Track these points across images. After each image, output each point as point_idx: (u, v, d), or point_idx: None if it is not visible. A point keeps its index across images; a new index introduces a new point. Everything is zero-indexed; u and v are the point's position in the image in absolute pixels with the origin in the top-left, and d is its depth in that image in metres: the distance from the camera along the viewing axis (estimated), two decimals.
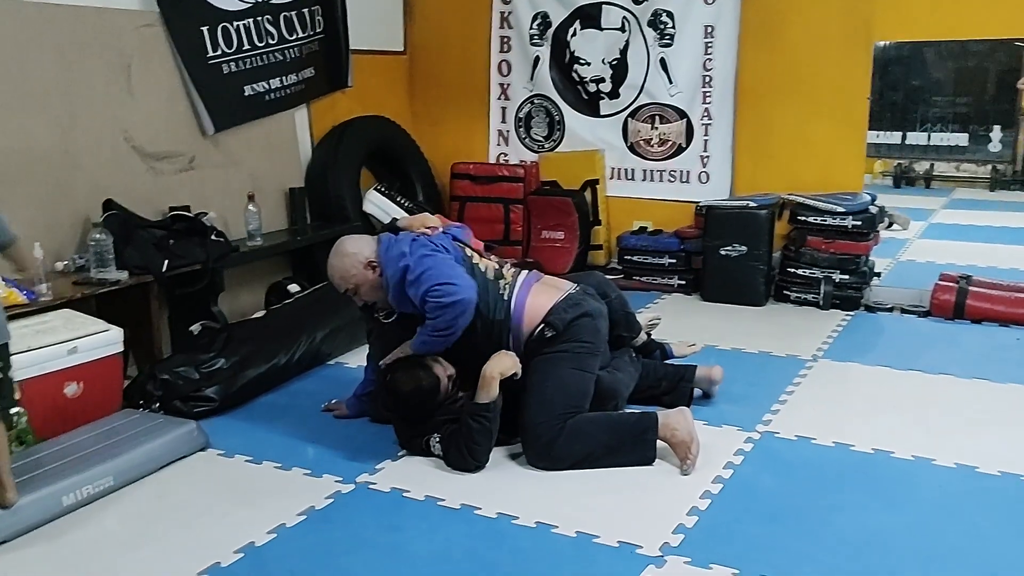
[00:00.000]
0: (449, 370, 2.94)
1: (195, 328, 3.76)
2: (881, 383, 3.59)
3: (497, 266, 3.10)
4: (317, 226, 4.86)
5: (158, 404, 3.28)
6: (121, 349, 3.21)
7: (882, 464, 2.83)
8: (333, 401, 3.38)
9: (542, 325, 2.92)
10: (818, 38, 4.72)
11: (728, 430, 3.11)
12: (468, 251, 3.07)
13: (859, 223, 4.59)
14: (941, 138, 9.26)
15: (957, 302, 4.41)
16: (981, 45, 8.93)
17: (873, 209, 4.66)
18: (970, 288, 4.48)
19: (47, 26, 3.60)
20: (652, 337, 3.53)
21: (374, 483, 2.76)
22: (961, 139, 9.16)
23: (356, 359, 3.90)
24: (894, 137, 9.25)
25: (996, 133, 9.01)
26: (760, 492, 2.66)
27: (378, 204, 5.03)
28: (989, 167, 9.05)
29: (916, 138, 9.34)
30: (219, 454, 3.02)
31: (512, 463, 2.88)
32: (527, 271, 3.14)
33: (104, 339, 3.15)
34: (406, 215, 5.05)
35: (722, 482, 2.72)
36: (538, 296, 2.98)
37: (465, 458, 2.80)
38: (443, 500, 2.63)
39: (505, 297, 2.97)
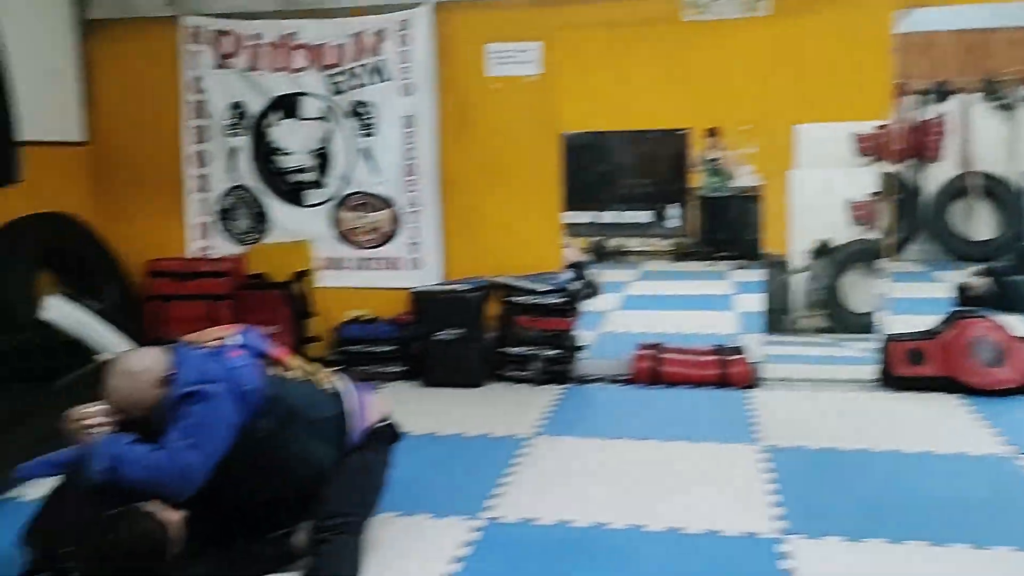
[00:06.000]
0: (172, 515, 2.52)
1: None
2: (594, 454, 3.74)
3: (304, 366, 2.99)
4: None
5: None
6: None
7: (600, 538, 2.92)
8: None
9: (385, 423, 2.98)
10: (511, 129, 4.99)
11: (453, 520, 3.06)
12: (270, 364, 2.86)
13: (562, 300, 4.83)
14: (629, 216, 10.16)
15: (654, 369, 4.76)
16: (655, 134, 10.00)
17: (573, 286, 4.93)
18: (663, 355, 4.86)
19: None
20: None
21: None
22: (646, 216, 10.12)
23: (35, 491, 3.39)
24: (588, 216, 10.00)
25: (673, 210, 10.06)
26: None
27: (60, 310, 4.51)
28: (671, 241, 10.06)
29: (608, 217, 10.17)
30: None
31: None
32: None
33: None
34: (93, 320, 4.60)
35: None
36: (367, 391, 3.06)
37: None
38: None
39: (331, 391, 2.90)
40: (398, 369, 5.02)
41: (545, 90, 4.92)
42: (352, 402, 2.94)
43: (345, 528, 2.66)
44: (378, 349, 5.03)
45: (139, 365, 2.66)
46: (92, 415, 2.62)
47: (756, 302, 5.95)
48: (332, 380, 3.00)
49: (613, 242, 10.30)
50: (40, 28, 5.00)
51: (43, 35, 5.03)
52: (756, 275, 6.43)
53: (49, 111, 5.02)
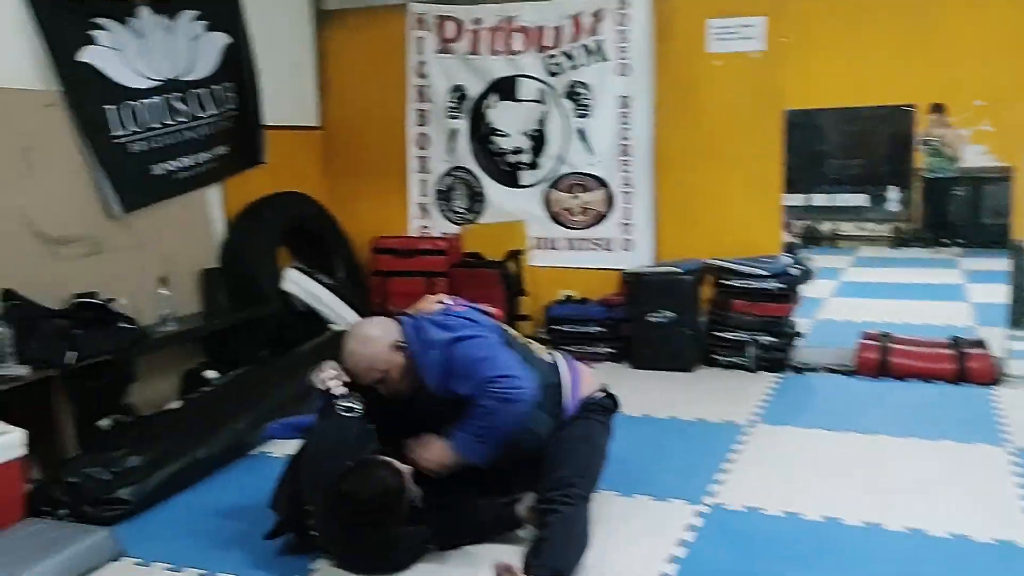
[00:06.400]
0: (405, 468, 2.66)
1: (105, 423, 3.51)
2: (819, 446, 3.58)
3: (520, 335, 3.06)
4: (233, 308, 4.64)
5: (66, 511, 3.01)
6: (22, 452, 2.94)
7: (835, 533, 2.79)
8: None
9: (602, 393, 2.97)
10: (731, 107, 4.84)
11: (675, 504, 3.02)
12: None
13: (781, 285, 4.65)
14: (843, 199, 9.61)
15: (881, 360, 4.48)
16: (874, 111, 9.36)
17: (793, 271, 4.73)
18: (892, 345, 4.57)
19: None
20: None
21: None
22: (861, 199, 9.54)
23: (282, 448, 3.69)
24: (799, 199, 9.54)
25: (893, 193, 9.42)
26: (719, 571, 2.57)
27: (298, 283, 4.87)
28: (890, 225, 9.44)
29: (819, 199, 9.67)
30: (136, 563, 2.77)
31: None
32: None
33: (2, 443, 2.87)
34: (327, 292, 4.92)
35: (679, 562, 2.62)
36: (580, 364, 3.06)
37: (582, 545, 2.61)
38: None
39: (549, 361, 2.92)
40: (607, 350, 5.02)
41: (768, 66, 4.74)
42: (567, 374, 2.95)
43: (572, 499, 2.66)
44: (587, 329, 5.06)
45: (373, 332, 2.79)
46: (332, 374, 2.80)
47: (997, 292, 5.45)
48: (546, 352, 3.02)
49: (824, 226, 9.80)
50: (283, 21, 5.37)
51: (285, 28, 5.40)
52: (995, 263, 5.89)
53: (290, 98, 5.40)
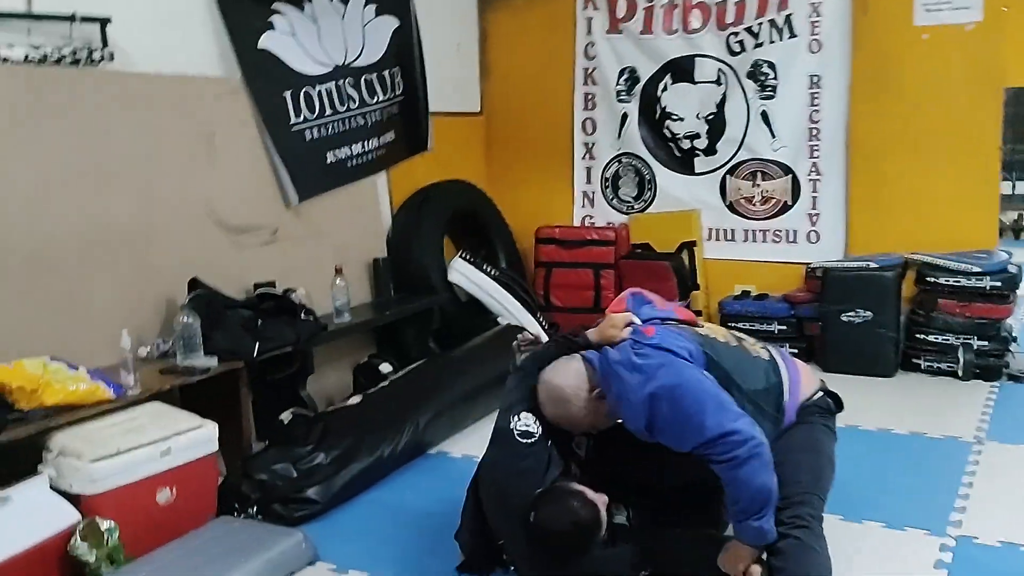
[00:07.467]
0: (600, 497, 2.39)
1: (285, 416, 3.43)
2: None
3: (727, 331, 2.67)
4: (402, 299, 4.52)
5: (255, 508, 2.93)
6: (216, 447, 2.87)
7: None
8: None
9: (821, 392, 2.57)
10: (940, 85, 4.37)
11: (915, 534, 2.68)
12: (695, 330, 2.58)
13: (998, 284, 4.17)
14: None
15: None
16: None
17: (1012, 268, 4.23)
18: None
19: (128, 96, 3.34)
20: None
21: None
22: None
23: (460, 447, 3.54)
24: (1004, 188, 8.73)
25: None
26: None
27: (464, 273, 4.71)
28: None
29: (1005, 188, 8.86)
30: (331, 568, 2.65)
31: None
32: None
33: (198, 436, 2.81)
34: (493, 283, 4.74)
35: None
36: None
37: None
38: None
39: (766, 357, 2.55)
40: (790, 351, 4.58)
41: (985, 39, 4.25)
42: (785, 372, 2.56)
43: (805, 520, 2.31)
44: (767, 328, 4.71)
45: (568, 389, 2.45)
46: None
47: None
48: (761, 347, 2.63)
49: (1008, 216, 8.98)
50: (447, 3, 5.21)
51: (449, 10, 5.24)
52: None
53: (452, 84, 5.24)
